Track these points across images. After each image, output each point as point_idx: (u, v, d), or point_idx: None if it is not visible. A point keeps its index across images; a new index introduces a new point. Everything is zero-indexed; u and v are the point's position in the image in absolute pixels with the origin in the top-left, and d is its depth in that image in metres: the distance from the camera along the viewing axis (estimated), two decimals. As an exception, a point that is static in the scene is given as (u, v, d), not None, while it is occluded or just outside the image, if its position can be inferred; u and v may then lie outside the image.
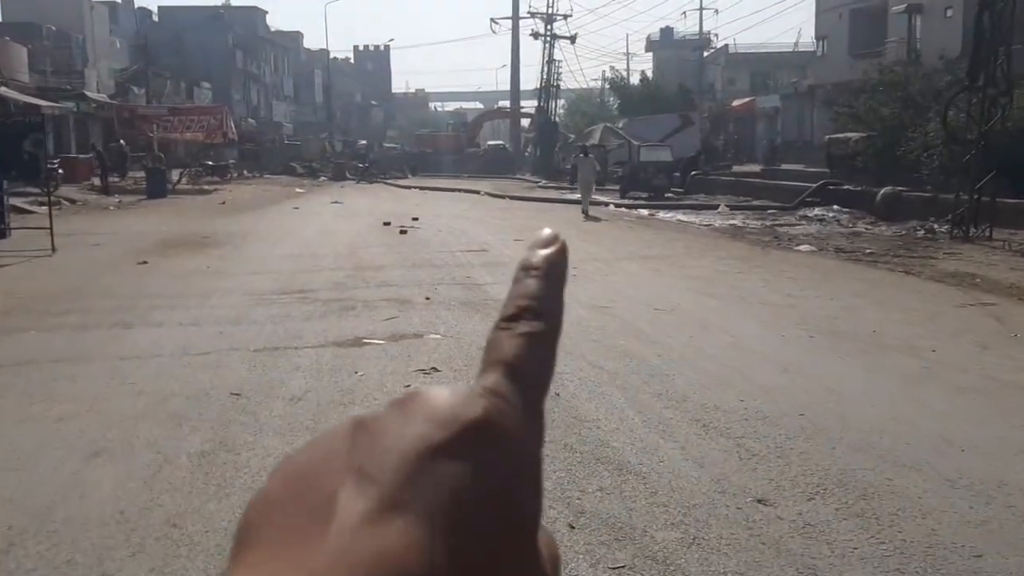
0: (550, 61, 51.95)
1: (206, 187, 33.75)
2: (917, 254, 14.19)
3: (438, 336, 7.91)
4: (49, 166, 22.89)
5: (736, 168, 38.26)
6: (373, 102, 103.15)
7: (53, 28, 39.40)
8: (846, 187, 23.42)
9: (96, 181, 29.81)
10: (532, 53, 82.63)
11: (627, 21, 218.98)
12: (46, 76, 36.76)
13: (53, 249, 13.87)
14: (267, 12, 75.23)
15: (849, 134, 27.01)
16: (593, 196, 23.68)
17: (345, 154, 53.73)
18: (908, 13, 35.28)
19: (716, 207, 24.14)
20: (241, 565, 0.28)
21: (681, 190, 30.19)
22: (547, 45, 52.18)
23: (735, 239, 17.02)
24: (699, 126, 41.39)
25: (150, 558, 3.62)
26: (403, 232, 17.28)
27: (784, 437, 5.06)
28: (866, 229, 18.50)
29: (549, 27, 52.34)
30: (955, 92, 17.95)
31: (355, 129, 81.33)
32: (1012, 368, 6.82)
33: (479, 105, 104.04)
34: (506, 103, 73.63)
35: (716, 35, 74.01)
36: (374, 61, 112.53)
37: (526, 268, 0.35)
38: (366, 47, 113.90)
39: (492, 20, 62.77)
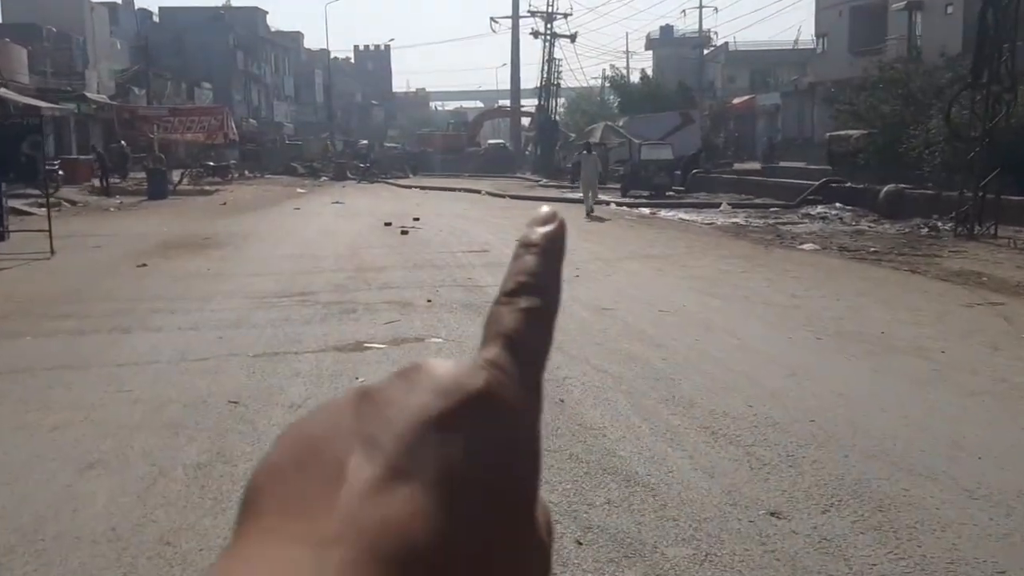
0: (550, 60, 51.84)
1: (207, 188, 33.62)
2: (922, 252, 14.07)
3: (440, 340, 7.79)
4: (49, 168, 22.83)
5: (736, 166, 38.13)
6: (374, 102, 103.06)
7: (53, 29, 39.29)
8: (848, 185, 23.28)
9: (97, 182, 29.69)
10: (532, 52, 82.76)
11: (627, 19, 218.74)
12: (46, 77, 36.65)
13: (52, 252, 13.75)
14: (267, 12, 75.19)
15: (850, 131, 26.91)
16: (598, 196, 23.29)
17: (346, 154, 53.60)
18: (908, 10, 35.16)
19: (718, 205, 24.00)
20: (250, 531, 0.28)
21: (682, 188, 30.07)
22: (547, 44, 52.09)
23: (738, 238, 16.89)
24: (699, 124, 41.27)
25: (144, 577, 3.50)
26: (404, 232, 17.16)
27: (795, 445, 4.94)
28: (869, 227, 18.37)
29: (549, 26, 52.24)
30: (959, 89, 17.82)
31: (356, 129, 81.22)
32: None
33: (479, 104, 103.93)
34: (506, 102, 73.53)
35: (716, 33, 73.72)
36: (374, 61, 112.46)
37: (525, 245, 0.35)
38: (366, 47, 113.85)
39: (492, 19, 62.89)
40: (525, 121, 61.55)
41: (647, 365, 6.80)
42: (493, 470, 0.30)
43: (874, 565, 3.58)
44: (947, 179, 19.04)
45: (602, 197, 24.60)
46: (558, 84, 52.48)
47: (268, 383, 6.34)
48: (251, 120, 62.26)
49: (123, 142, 34.69)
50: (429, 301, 9.66)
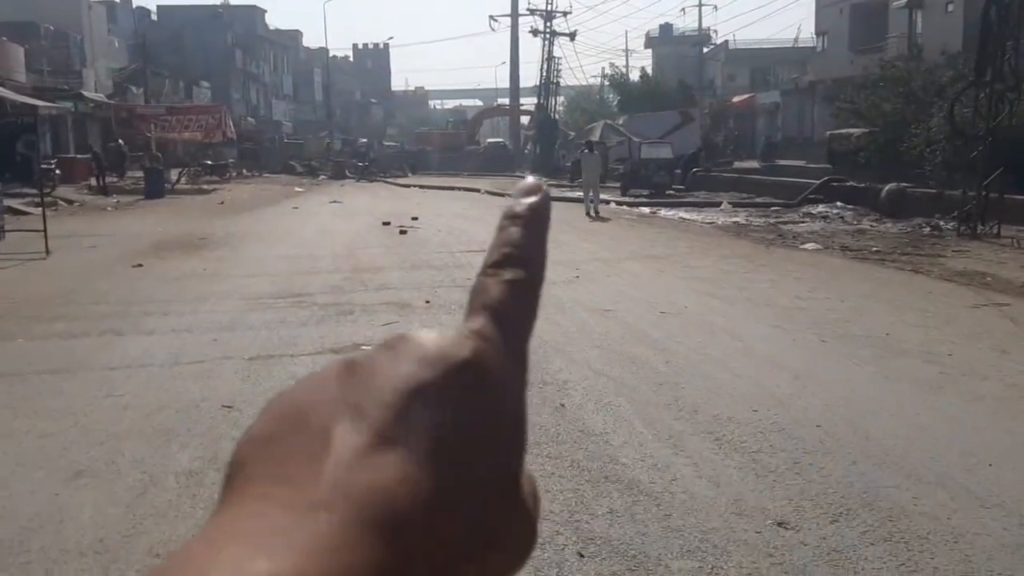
0: (549, 58, 51.69)
1: (205, 187, 33.47)
2: (925, 252, 13.95)
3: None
4: (46, 167, 22.69)
5: (736, 164, 38.01)
6: (373, 100, 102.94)
7: (51, 27, 39.13)
8: (850, 184, 23.16)
9: (94, 182, 29.54)
10: (532, 50, 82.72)
11: (626, 17, 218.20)
12: (43, 76, 36.48)
13: (47, 252, 13.62)
14: (266, 11, 75.06)
15: (850, 130, 26.82)
16: (601, 195, 22.93)
17: (345, 152, 53.46)
18: (909, 8, 35.05)
19: (718, 204, 23.86)
20: (235, 498, 0.29)
21: (682, 187, 29.95)
22: (546, 42, 51.93)
23: (739, 237, 16.77)
24: (699, 123, 41.13)
25: (131, 592, 3.38)
26: (403, 232, 17.04)
27: (802, 451, 4.82)
28: (871, 226, 18.25)
29: (548, 24, 52.07)
30: (962, 87, 17.70)
31: (355, 127, 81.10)
32: (1033, 374, 6.58)
33: (479, 103, 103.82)
34: (505, 100, 73.32)
35: (716, 31, 73.69)
36: (373, 59, 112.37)
37: (510, 216, 0.36)
38: (365, 45, 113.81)
39: (491, 17, 62.46)
40: (524, 120, 61.37)
41: (649, 369, 6.68)
42: (479, 438, 0.30)
43: (887, 580, 3.46)
44: (948, 178, 18.93)
45: (602, 196, 24.39)
46: (557, 82, 52.32)
47: (263, 387, 6.21)
48: (249, 119, 62.12)
49: (121, 141, 34.54)
50: (428, 302, 9.54)
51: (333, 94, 77.43)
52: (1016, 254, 13.49)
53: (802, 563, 3.57)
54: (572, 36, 53.44)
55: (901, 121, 23.37)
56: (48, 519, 4.02)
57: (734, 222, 19.68)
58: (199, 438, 5.11)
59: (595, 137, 36.53)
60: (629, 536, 3.81)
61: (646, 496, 4.24)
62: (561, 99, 57.12)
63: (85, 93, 38.73)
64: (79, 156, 32.91)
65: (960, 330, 8.23)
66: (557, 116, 53.46)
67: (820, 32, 43.82)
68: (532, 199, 0.37)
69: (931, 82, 23.78)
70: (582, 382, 6.28)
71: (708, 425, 5.30)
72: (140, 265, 12.49)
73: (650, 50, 77.07)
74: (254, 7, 71.58)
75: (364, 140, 59.58)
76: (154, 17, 63.57)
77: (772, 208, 22.69)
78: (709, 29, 71.31)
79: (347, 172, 45.39)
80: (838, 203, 22.10)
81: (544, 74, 51.40)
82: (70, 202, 24.73)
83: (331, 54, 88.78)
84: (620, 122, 41.11)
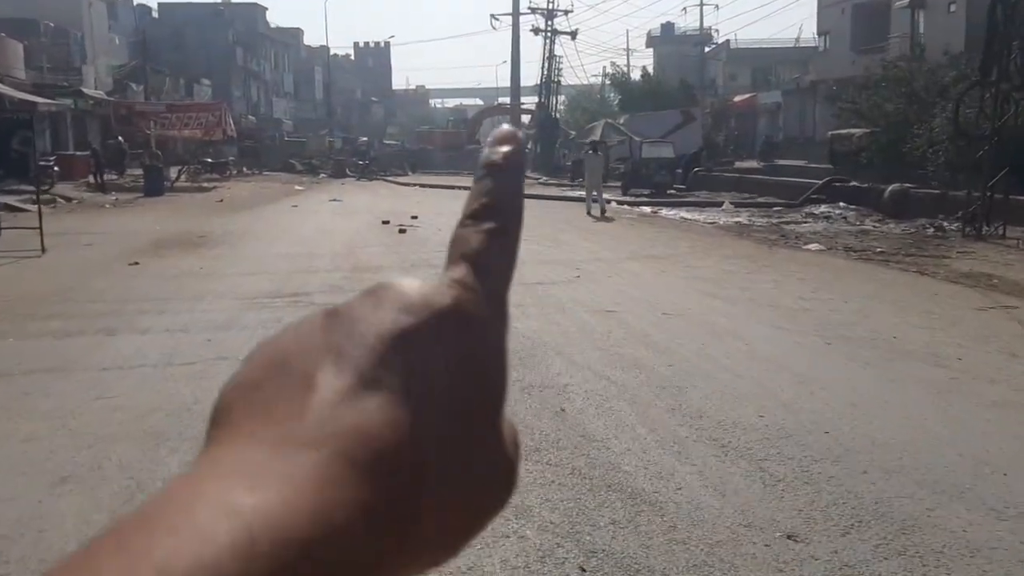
0: (551, 57, 51.53)
1: (205, 184, 33.32)
2: (929, 253, 13.81)
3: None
4: (44, 164, 22.56)
5: (736, 164, 37.87)
6: (373, 99, 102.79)
7: (51, 24, 38.99)
8: (852, 184, 23.01)
9: (92, 179, 29.38)
10: (533, 49, 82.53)
11: (627, 16, 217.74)
12: (43, 73, 36.34)
13: (43, 249, 13.48)
14: (267, 8, 74.86)
15: (852, 130, 26.69)
16: (605, 196, 22.65)
17: (345, 151, 53.31)
18: (911, 8, 34.88)
19: (720, 204, 23.71)
20: (220, 438, 0.29)
21: (683, 187, 29.81)
22: (548, 41, 51.76)
23: (741, 237, 16.63)
24: (701, 122, 40.96)
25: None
26: (402, 231, 16.89)
27: (810, 459, 4.67)
28: (874, 227, 18.10)
29: (550, 23, 51.92)
30: (967, 87, 17.55)
31: (355, 126, 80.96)
32: (1044, 378, 6.44)
33: (479, 101, 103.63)
34: (506, 99, 73.11)
35: (717, 30, 73.61)
36: (374, 58, 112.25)
37: (487, 166, 0.36)
38: (366, 43, 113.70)
39: (492, 16, 62.39)
40: (525, 119, 61.18)
41: (652, 372, 6.53)
42: (461, 383, 0.31)
43: (902, 597, 3.32)
44: (951, 178, 18.81)
45: (604, 196, 24.21)
46: (558, 81, 52.18)
47: (256, 389, 6.06)
48: (250, 117, 61.97)
49: (120, 138, 34.40)
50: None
51: (334, 92, 77.35)
52: (1022, 255, 13.34)
53: (813, 578, 3.43)
54: (573, 35, 53.29)
55: (903, 121, 23.24)
56: (29, 527, 3.88)
57: (736, 222, 19.53)
58: (189, 442, 4.96)
59: (596, 136, 36.39)
60: (632, 549, 3.66)
61: (650, 506, 4.09)
62: (562, 98, 57.01)
63: (85, 90, 38.59)
64: (78, 153, 32.77)
65: (967, 332, 8.08)
66: (558, 115, 53.33)
67: (822, 32, 43.67)
68: (506, 148, 0.36)
69: (933, 82, 23.65)
70: (583, 385, 6.13)
71: (713, 431, 5.16)
72: (136, 263, 12.34)
73: (651, 49, 76.95)
74: (255, 5, 71.42)
75: (365, 139, 59.44)
76: (155, 14, 63.40)
77: (774, 208, 22.55)
78: (710, 28, 71.27)
79: (347, 171, 45.22)
80: (840, 203, 21.96)
81: (545, 73, 51.26)
82: (68, 199, 24.57)
83: (332, 52, 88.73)
84: (621, 121, 40.95)
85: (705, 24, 71.15)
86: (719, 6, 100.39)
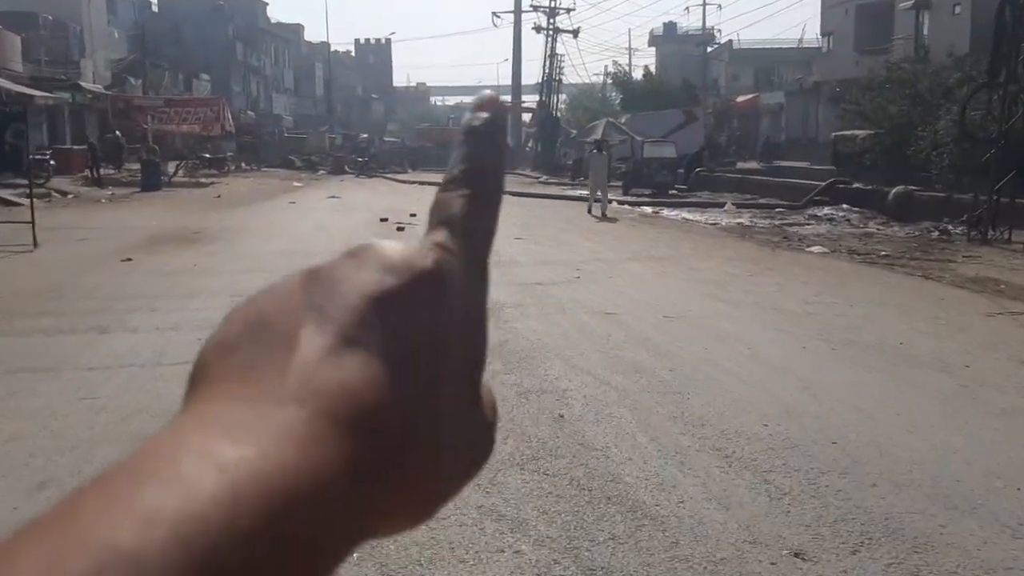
0: (552, 55, 51.41)
1: (203, 180, 33.13)
2: (934, 257, 13.64)
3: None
4: (40, 157, 22.36)
5: (738, 165, 37.70)
6: (374, 95, 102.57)
7: (50, 17, 38.75)
8: (856, 186, 22.85)
9: (89, 173, 29.18)
10: (534, 47, 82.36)
11: (630, 15, 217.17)
12: (41, 66, 36.11)
13: (35, 244, 13.30)
14: (267, 4, 74.62)
15: (856, 132, 26.51)
16: (609, 196, 22.25)
17: (345, 148, 53.14)
18: (915, 9, 34.70)
19: (722, 205, 23.56)
20: (200, 396, 0.29)
21: (685, 187, 29.65)
22: (549, 39, 51.62)
23: (743, 239, 16.47)
24: (703, 122, 40.79)
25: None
26: (400, 229, 16.72)
27: (817, 471, 4.51)
28: (878, 230, 17.95)
29: (552, 21, 51.84)
30: (974, 89, 17.38)
31: (356, 122, 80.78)
32: (1055, 387, 6.28)
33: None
34: (507, 98, 72.99)
35: (719, 30, 73.27)
36: (375, 54, 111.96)
37: (468, 131, 0.36)
38: (367, 40, 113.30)
39: (494, 14, 62.21)
40: (526, 117, 61.09)
41: (653, 376, 6.37)
42: (442, 345, 0.31)
43: (917, 622, 3.15)
44: (956, 181, 18.64)
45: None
46: (560, 80, 52.07)
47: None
48: (249, 112, 61.71)
49: (118, 132, 34.19)
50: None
51: (334, 89, 77.16)
52: (1028, 260, 13.18)
53: (822, 600, 3.27)
54: (575, 33, 53.17)
55: (907, 123, 23.08)
56: (2, 535, 3.71)
57: (738, 223, 19.37)
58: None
59: (597, 135, 36.24)
60: (633, 566, 3.50)
61: (651, 520, 3.93)
62: (563, 97, 56.91)
63: (83, 84, 38.35)
64: (75, 147, 32.55)
65: (975, 339, 7.92)
66: (559, 114, 53.18)
67: (825, 32, 43.50)
68: (487, 113, 0.36)
69: (938, 84, 23.48)
70: (582, 390, 5.97)
71: (716, 440, 5.00)
72: (130, 259, 12.17)
73: (653, 48, 76.76)
74: (255, 0, 71.18)
75: (365, 135, 59.28)
76: (155, 9, 63.13)
77: (777, 209, 22.39)
78: (713, 28, 71.04)
79: (346, 167, 45.06)
80: (844, 205, 21.81)
81: (546, 71, 51.13)
82: (64, 194, 24.39)
83: (332, 48, 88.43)
84: (623, 121, 40.78)
85: (708, 24, 70.99)
86: (722, 6, 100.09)
